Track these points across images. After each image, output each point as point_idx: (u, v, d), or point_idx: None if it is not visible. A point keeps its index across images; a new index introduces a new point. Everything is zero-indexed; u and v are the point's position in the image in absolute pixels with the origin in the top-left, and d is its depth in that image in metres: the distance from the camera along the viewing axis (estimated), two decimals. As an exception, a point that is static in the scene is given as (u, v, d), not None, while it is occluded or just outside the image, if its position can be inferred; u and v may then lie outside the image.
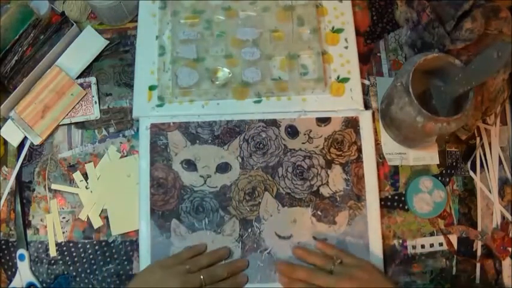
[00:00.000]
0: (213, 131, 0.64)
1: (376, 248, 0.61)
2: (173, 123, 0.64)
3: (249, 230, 0.61)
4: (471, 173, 0.66)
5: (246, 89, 0.64)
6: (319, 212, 0.62)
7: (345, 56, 0.67)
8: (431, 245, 0.63)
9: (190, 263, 0.57)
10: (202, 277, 0.55)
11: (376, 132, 0.65)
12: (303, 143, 0.64)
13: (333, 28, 0.68)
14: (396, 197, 0.64)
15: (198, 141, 0.63)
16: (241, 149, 0.63)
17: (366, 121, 0.64)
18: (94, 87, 0.67)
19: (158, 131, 0.63)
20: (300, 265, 0.59)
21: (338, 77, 0.66)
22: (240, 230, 0.61)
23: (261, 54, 0.65)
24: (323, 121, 0.64)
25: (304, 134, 0.64)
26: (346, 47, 0.67)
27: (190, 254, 0.58)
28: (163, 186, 0.62)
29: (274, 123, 0.64)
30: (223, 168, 0.62)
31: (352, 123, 0.64)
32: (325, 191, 0.62)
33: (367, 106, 0.66)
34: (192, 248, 0.60)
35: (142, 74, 0.65)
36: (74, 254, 0.62)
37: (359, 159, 0.63)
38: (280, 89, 0.64)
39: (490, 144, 0.67)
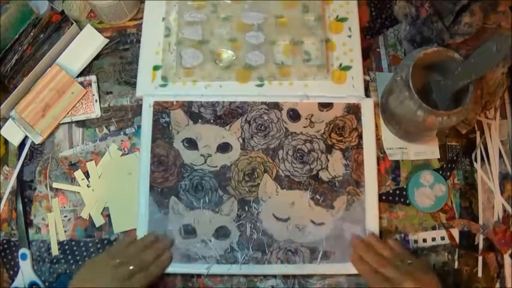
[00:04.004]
0: (215, 111, 0.64)
1: None
2: (176, 102, 0.64)
3: (247, 211, 0.61)
4: (475, 165, 0.66)
5: (249, 72, 0.65)
6: (317, 196, 0.62)
7: (348, 45, 0.67)
8: (433, 239, 0.63)
9: (119, 256, 0.57)
10: (131, 267, 0.56)
11: (376, 127, 0.65)
12: (304, 127, 0.64)
13: (337, 17, 0.69)
14: (397, 192, 0.64)
15: (200, 121, 0.64)
16: (242, 130, 0.64)
17: (367, 108, 0.65)
18: (94, 86, 0.67)
19: (161, 109, 0.64)
20: (373, 249, 0.59)
21: (340, 65, 0.66)
22: (238, 210, 0.61)
23: (265, 39, 0.66)
24: (325, 106, 0.65)
25: (306, 118, 0.64)
26: (350, 36, 0.68)
27: (120, 247, 0.59)
28: (163, 164, 0.62)
29: (276, 106, 0.65)
30: (224, 148, 0.63)
31: (353, 110, 0.65)
32: (324, 176, 0.63)
33: (368, 97, 0.66)
34: (122, 241, 0.60)
35: (147, 54, 0.66)
36: (76, 252, 0.62)
37: (359, 146, 0.64)
38: (283, 74, 0.65)
39: (490, 138, 0.67)
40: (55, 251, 0.62)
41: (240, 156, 0.63)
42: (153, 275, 0.58)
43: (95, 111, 0.66)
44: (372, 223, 0.61)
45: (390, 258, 0.57)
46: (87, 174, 0.64)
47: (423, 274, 0.55)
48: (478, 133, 0.67)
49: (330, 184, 0.63)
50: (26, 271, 0.62)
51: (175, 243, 0.60)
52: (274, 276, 0.61)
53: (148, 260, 0.58)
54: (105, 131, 0.66)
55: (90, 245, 0.62)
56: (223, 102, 0.65)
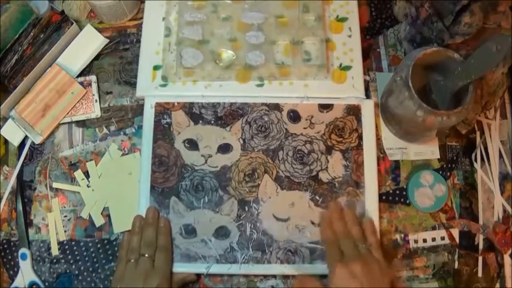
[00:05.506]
0: (216, 112, 0.64)
1: None
2: (177, 103, 0.64)
3: (247, 211, 0.61)
4: (475, 165, 0.66)
5: (249, 72, 0.65)
6: (317, 197, 0.62)
7: (348, 45, 0.67)
8: (433, 239, 0.63)
9: (129, 255, 0.57)
10: (146, 255, 0.56)
11: (376, 127, 0.65)
12: (304, 128, 0.64)
13: (337, 17, 0.68)
14: (397, 192, 0.64)
15: (201, 122, 0.64)
16: (243, 131, 0.64)
17: (367, 109, 0.65)
18: (94, 86, 0.67)
19: (163, 110, 0.64)
20: (344, 222, 0.59)
21: (340, 65, 0.66)
22: (238, 210, 0.61)
23: (266, 39, 0.66)
24: (325, 107, 0.65)
25: (306, 119, 0.64)
26: (350, 36, 0.68)
27: (124, 251, 0.58)
28: (164, 164, 0.62)
29: (276, 107, 0.65)
30: (225, 148, 0.63)
31: (354, 111, 0.65)
32: (324, 177, 0.63)
33: (368, 97, 0.66)
34: (121, 245, 0.59)
35: (147, 54, 0.66)
36: (76, 252, 0.62)
37: (359, 147, 0.63)
38: (283, 74, 0.65)
39: (490, 138, 0.67)
40: (55, 251, 0.62)
41: (241, 156, 0.63)
42: (167, 247, 0.59)
43: (95, 111, 0.66)
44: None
45: (354, 236, 0.57)
46: (87, 174, 0.64)
47: (376, 262, 0.54)
48: (478, 133, 0.67)
49: (329, 185, 0.63)
50: (26, 271, 0.62)
51: (176, 242, 0.60)
52: (274, 276, 0.61)
53: (152, 235, 0.58)
54: (105, 131, 0.66)
55: (90, 245, 0.62)
56: (224, 103, 0.65)
